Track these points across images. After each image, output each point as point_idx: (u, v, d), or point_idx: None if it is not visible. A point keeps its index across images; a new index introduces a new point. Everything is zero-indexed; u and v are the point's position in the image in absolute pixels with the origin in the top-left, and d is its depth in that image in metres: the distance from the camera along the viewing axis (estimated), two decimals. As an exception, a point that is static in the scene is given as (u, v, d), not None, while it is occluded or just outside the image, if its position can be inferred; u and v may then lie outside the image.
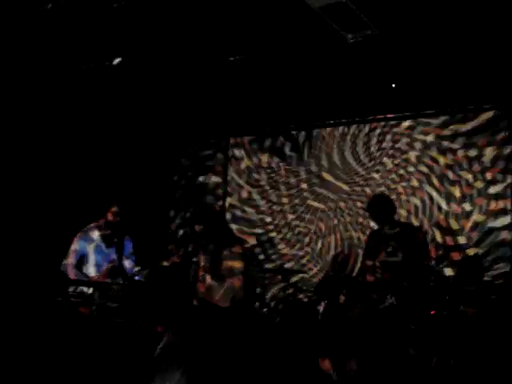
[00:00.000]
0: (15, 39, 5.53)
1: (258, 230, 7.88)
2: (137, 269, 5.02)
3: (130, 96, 7.12)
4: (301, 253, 7.49)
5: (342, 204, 7.34)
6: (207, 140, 8.41)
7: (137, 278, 4.92)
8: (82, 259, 4.98)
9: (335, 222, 7.34)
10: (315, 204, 7.54)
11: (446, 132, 6.72)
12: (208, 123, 8.04)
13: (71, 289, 4.63)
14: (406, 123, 7.01)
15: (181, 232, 8.36)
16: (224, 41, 5.73)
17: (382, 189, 6.96)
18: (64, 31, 5.50)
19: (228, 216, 8.02)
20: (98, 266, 4.95)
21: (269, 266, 7.56)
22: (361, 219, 7.11)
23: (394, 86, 6.43)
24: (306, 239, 7.50)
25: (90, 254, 4.99)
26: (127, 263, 5.11)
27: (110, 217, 5.02)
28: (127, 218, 5.14)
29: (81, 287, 4.66)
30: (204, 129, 8.21)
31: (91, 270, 4.96)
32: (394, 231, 4.82)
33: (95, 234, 5.05)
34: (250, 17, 5.29)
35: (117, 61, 6.03)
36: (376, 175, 7.13)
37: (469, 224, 6.39)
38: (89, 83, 6.55)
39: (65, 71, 6.24)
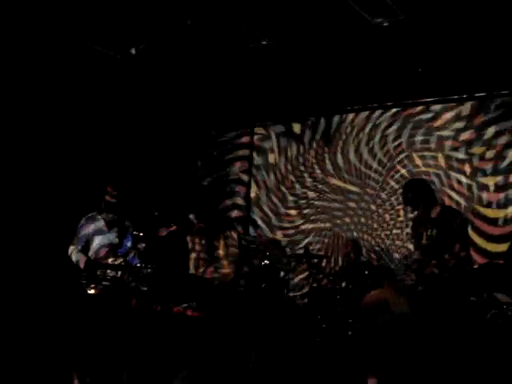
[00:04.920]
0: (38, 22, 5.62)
1: (283, 217, 7.96)
2: (132, 253, 5.08)
3: (155, 82, 7.20)
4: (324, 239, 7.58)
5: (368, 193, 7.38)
6: (232, 127, 8.46)
7: (132, 260, 5.00)
8: (86, 244, 5.07)
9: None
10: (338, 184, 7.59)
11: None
12: (233, 110, 8.07)
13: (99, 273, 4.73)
14: (435, 108, 6.97)
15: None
16: (251, 26, 5.74)
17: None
18: (89, 16, 5.58)
19: (253, 202, 8.12)
20: (102, 248, 5.05)
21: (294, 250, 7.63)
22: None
23: (420, 70, 6.38)
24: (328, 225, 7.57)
25: (94, 238, 5.09)
26: (126, 246, 5.18)
27: (108, 198, 5.10)
28: (126, 200, 5.19)
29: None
30: (229, 116, 8.23)
31: (96, 254, 5.05)
32: (434, 215, 4.73)
33: (99, 219, 5.14)
34: (277, 2, 5.29)
35: (141, 47, 6.10)
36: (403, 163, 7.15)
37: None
38: (115, 68, 6.63)
39: (92, 56, 6.33)
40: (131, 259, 5.04)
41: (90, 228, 5.08)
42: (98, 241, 5.08)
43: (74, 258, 4.98)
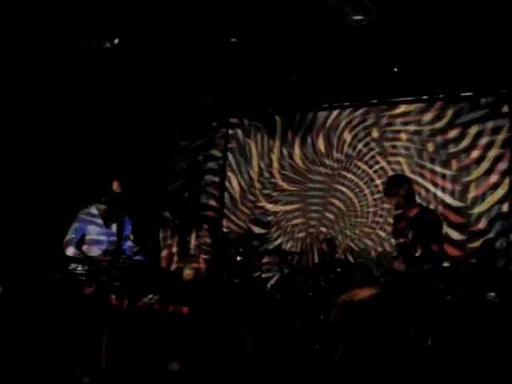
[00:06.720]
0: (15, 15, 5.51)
1: (256, 212, 7.98)
2: (135, 248, 5.02)
3: (129, 76, 7.12)
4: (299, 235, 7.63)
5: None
6: (207, 121, 8.44)
7: (137, 257, 4.95)
8: (82, 238, 4.99)
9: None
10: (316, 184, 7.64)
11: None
12: (208, 105, 8.05)
13: (72, 266, 4.66)
14: (401, 108, 7.13)
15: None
16: (225, 23, 5.71)
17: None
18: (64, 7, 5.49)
19: (226, 196, 8.12)
20: (97, 244, 4.97)
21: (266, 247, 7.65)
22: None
23: (395, 70, 6.43)
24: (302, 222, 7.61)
25: (90, 232, 5.01)
26: (126, 243, 5.13)
27: (109, 195, 5.03)
28: (126, 197, 5.14)
29: (78, 265, 4.67)
30: (204, 110, 8.21)
31: (91, 249, 4.98)
32: (412, 215, 4.77)
33: (95, 213, 5.06)
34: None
35: (116, 41, 6.03)
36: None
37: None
38: (88, 62, 6.54)
39: (64, 49, 6.23)
40: (137, 257, 4.96)
41: (85, 221, 4.99)
42: (93, 235, 5.00)
43: (67, 252, 4.91)
